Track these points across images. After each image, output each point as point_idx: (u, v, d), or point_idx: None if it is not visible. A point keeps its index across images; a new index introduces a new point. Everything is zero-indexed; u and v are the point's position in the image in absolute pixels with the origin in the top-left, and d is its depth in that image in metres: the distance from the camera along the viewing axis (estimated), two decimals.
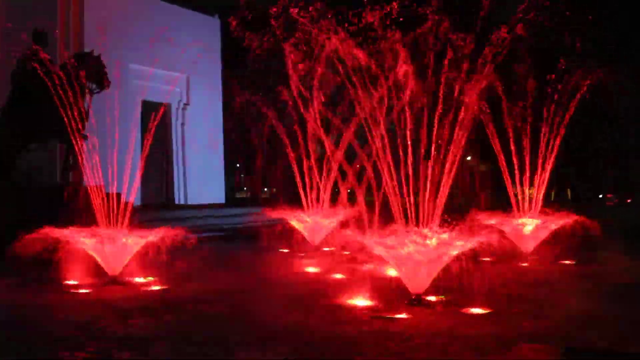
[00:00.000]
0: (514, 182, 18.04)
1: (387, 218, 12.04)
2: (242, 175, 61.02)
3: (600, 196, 55.80)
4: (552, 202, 21.44)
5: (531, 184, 18.07)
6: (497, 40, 12.36)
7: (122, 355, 8.00)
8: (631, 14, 39.02)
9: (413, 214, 11.41)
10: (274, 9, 14.20)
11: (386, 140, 11.86)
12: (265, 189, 53.37)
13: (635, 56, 37.38)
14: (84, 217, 15.26)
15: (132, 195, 14.52)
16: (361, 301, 10.75)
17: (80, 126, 14.71)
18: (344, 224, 17.80)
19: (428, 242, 10.66)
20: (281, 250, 19.21)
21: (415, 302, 10.56)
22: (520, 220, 17.11)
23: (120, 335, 8.95)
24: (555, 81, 17.49)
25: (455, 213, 12.14)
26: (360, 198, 15.73)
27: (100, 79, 19.12)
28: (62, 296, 11.90)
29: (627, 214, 30.89)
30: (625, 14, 38.07)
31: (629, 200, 52.87)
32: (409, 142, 11.62)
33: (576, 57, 17.31)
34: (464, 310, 10.17)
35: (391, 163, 11.85)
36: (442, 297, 10.83)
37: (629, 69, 28.80)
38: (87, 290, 12.39)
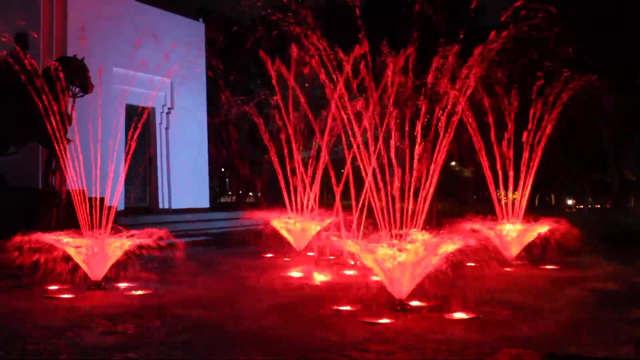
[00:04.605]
0: (497, 187, 18.08)
1: (370, 223, 12.02)
2: (227, 180, 60.85)
3: (570, 202, 56.23)
4: (537, 208, 21.52)
5: (515, 189, 18.12)
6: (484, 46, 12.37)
7: None
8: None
9: (397, 220, 11.41)
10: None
11: (370, 144, 11.85)
12: (251, 193, 53.29)
13: (618, 65, 37.69)
14: (66, 221, 15.15)
15: (115, 199, 14.43)
16: (344, 306, 10.72)
17: (62, 130, 14.58)
18: (328, 229, 17.79)
19: (410, 247, 10.66)
20: (265, 255, 19.16)
21: (399, 307, 10.55)
22: (504, 225, 17.13)
23: (91, 343, 8.79)
24: (540, 86, 17.60)
25: (439, 218, 12.15)
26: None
27: (84, 83, 19.01)
28: (42, 302, 11.75)
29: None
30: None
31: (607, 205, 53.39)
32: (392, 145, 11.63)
33: (560, 63, 17.39)
34: (448, 315, 10.16)
35: (376, 167, 11.83)
36: (425, 302, 10.84)
37: (610, 77, 28.97)
38: (68, 296, 12.27)
